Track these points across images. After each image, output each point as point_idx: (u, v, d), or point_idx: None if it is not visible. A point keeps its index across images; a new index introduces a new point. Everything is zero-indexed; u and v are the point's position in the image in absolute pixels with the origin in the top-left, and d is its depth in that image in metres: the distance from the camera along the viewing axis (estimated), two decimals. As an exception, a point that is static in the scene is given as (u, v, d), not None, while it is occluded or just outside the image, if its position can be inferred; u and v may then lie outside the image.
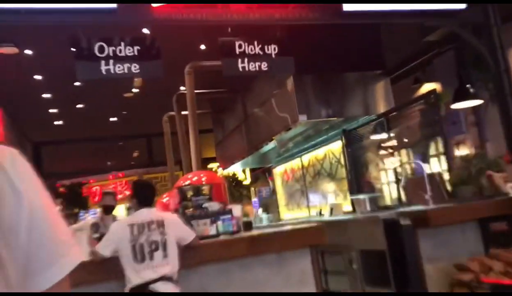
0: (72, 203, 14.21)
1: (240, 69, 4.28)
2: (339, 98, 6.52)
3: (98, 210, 15.71)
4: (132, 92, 9.99)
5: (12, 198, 0.80)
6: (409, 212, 4.57)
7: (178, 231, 3.54)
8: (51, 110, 11.07)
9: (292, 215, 9.47)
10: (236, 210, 4.47)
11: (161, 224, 3.45)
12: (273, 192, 10.71)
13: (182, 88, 9.04)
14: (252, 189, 12.85)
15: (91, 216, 15.24)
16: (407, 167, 6.13)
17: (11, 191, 0.81)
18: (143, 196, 3.64)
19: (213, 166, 14.31)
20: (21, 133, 11.91)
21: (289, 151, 9.05)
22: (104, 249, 3.42)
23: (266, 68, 4.33)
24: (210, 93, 8.51)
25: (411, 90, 9.41)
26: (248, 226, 4.74)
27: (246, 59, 4.26)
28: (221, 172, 12.67)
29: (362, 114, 6.65)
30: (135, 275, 3.30)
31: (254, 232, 4.28)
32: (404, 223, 4.36)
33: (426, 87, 9.36)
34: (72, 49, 4.07)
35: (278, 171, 10.15)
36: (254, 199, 12.74)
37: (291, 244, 4.03)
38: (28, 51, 7.58)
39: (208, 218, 4.18)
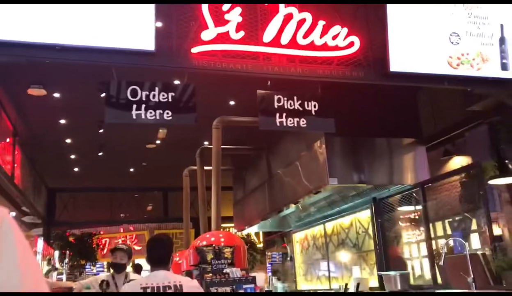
0: (80, 254, 13.75)
1: (278, 124, 4.01)
2: (371, 164, 6.19)
3: (105, 263, 15.30)
4: (155, 143, 9.82)
5: None
6: (452, 296, 4.07)
7: (198, 298, 3.12)
8: (71, 156, 10.93)
9: (310, 286, 8.86)
10: (260, 278, 4.03)
11: (178, 290, 3.03)
12: (290, 259, 10.16)
13: (205, 142, 8.86)
14: (269, 254, 12.31)
15: (97, 270, 14.75)
16: (444, 243, 5.64)
17: None
18: (157, 254, 3.18)
19: (226, 225, 13.87)
20: (38, 178, 11.75)
21: (311, 215, 8.62)
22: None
23: (304, 125, 4.06)
24: (235, 149, 8.26)
25: (440, 162, 9.09)
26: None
27: (284, 114, 4.01)
28: (234, 233, 12.21)
29: (394, 183, 6.28)
30: None
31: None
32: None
33: (457, 161, 9.04)
34: (101, 92, 3.88)
35: (297, 236, 9.66)
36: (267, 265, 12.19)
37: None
38: (56, 94, 7.51)
39: (229, 286, 3.76)
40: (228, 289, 3.73)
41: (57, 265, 9.32)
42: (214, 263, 4.08)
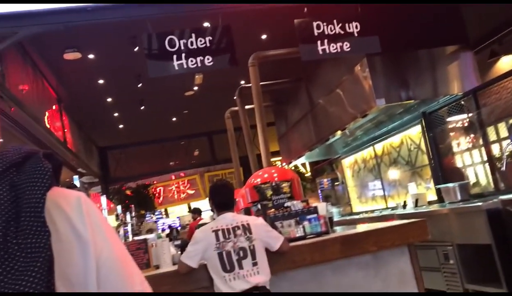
0: (139, 205, 14.41)
1: (320, 52, 3.90)
2: (416, 78, 5.97)
3: (162, 210, 15.98)
4: (193, 90, 9.85)
5: (77, 248, 0.71)
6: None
7: (266, 236, 3.22)
8: (115, 114, 11.18)
9: (365, 207, 8.95)
10: (321, 208, 4.09)
11: (247, 229, 3.15)
12: (342, 183, 10.23)
13: (242, 82, 8.79)
14: (318, 181, 12.45)
15: (157, 218, 15.47)
16: (506, 146, 5.48)
17: (77, 241, 0.72)
18: (223, 199, 3.33)
19: (273, 160, 14.03)
20: (88, 139, 12.15)
21: (358, 139, 8.55)
22: (190, 259, 3.16)
23: (348, 49, 3.93)
24: (273, 84, 8.16)
25: (488, 65, 8.66)
26: (330, 224, 4.36)
27: (326, 41, 3.87)
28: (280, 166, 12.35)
29: (442, 94, 6.07)
30: (225, 286, 3.02)
31: (348, 231, 3.89)
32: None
33: (505, 61, 8.57)
34: (135, 46, 3.85)
35: (347, 161, 9.66)
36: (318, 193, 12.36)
37: (388, 242, 3.61)
38: (90, 56, 7.57)
39: (293, 219, 3.84)
40: (292, 222, 3.82)
41: (124, 218, 9.81)
42: (274, 199, 4.16)
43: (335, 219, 8.39)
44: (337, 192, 10.80)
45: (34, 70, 7.37)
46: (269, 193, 4.29)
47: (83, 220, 0.74)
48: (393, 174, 7.79)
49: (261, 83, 6.82)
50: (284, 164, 11.40)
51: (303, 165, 14.21)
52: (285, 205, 4.10)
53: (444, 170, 6.43)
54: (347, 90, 6.63)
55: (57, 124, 8.73)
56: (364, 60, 5.81)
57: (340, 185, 10.40)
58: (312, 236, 3.78)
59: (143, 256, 4.07)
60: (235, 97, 8.44)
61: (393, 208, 7.45)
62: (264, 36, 7.74)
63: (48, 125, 7.95)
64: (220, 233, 3.11)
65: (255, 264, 3.05)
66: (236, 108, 8.50)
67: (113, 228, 0.83)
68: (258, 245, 3.11)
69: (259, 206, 4.28)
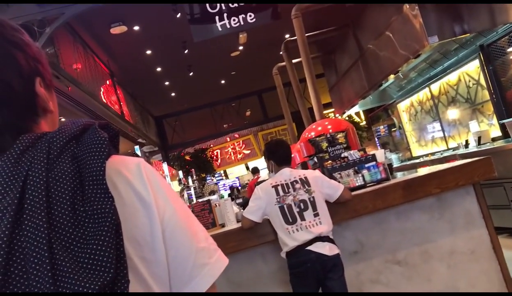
0: (199, 168, 14.84)
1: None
2: (470, 10, 5.60)
3: (222, 172, 16.34)
4: (238, 50, 9.81)
5: (141, 211, 0.76)
6: None
7: (325, 187, 3.23)
8: (165, 83, 11.40)
9: (425, 151, 8.71)
10: (379, 155, 4.03)
11: (305, 182, 3.18)
12: (399, 128, 9.97)
13: (287, 35, 8.63)
14: (374, 129, 12.20)
15: (217, 180, 15.88)
16: None
17: (140, 204, 0.76)
18: (281, 155, 3.38)
19: (326, 112, 13.84)
20: (143, 110, 12.53)
21: (412, 81, 8.23)
22: (253, 214, 3.25)
23: (394, -12, 3.72)
24: (319, 34, 7.94)
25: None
26: (389, 170, 4.29)
27: (370, -18, 3.69)
28: (334, 117, 12.18)
29: (501, 23, 5.66)
30: (288, 238, 3.09)
31: (409, 176, 3.82)
32: None
33: None
34: (176, 12, 3.85)
35: (402, 105, 9.36)
36: (375, 140, 12.12)
37: (451, 183, 3.51)
38: (136, 28, 7.69)
39: (351, 168, 3.81)
40: (350, 172, 3.80)
41: (187, 183, 10.14)
42: (330, 151, 4.14)
43: (395, 165, 8.26)
44: (394, 138, 10.55)
45: (84, 49, 7.61)
46: (324, 145, 4.27)
47: (144, 183, 0.78)
48: (453, 113, 7.48)
49: (306, 34, 6.66)
50: (337, 114, 11.24)
51: (357, 114, 13.96)
52: (342, 155, 4.07)
53: (507, 104, 6.09)
54: (397, 31, 6.34)
55: (112, 98, 9.04)
56: (411, -2, 5.51)
57: (397, 130, 10.15)
58: (372, 183, 3.75)
59: (208, 216, 4.23)
60: (281, 52, 8.33)
61: (454, 149, 7.20)
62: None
63: (104, 100, 8.26)
64: (279, 187, 3.16)
65: (316, 214, 3.08)
66: (283, 63, 8.39)
67: (174, 190, 0.88)
68: (317, 197, 3.14)
69: (315, 159, 4.28)
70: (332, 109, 11.95)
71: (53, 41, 5.68)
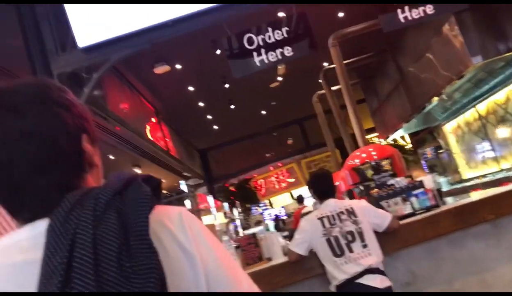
0: (243, 199, 14.88)
1: (402, 20, 3.72)
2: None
3: (267, 201, 16.30)
4: (277, 81, 9.91)
5: (185, 263, 0.78)
6: None
7: (372, 216, 3.17)
8: (208, 117, 11.63)
9: (476, 173, 8.38)
10: (428, 181, 3.92)
11: (352, 213, 3.12)
12: (446, 151, 9.67)
13: (325, 64, 8.65)
14: (420, 151, 11.89)
15: (262, 209, 15.85)
16: None
17: (184, 255, 0.78)
18: (323, 188, 3.33)
19: (369, 137, 13.62)
20: (188, 144, 12.78)
21: (457, 102, 8.01)
22: (298, 247, 3.22)
23: (432, 12, 3.69)
24: (358, 61, 7.93)
25: None
26: (439, 196, 4.15)
27: (407, 8, 3.68)
28: (378, 142, 11.96)
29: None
30: (337, 271, 3.03)
31: (460, 201, 3.68)
32: None
33: None
34: (216, 49, 3.96)
35: (448, 127, 9.10)
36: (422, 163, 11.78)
37: (508, 208, 3.35)
38: (178, 66, 7.94)
39: (399, 196, 3.72)
40: (398, 200, 3.71)
41: (232, 214, 10.24)
42: (376, 178, 4.07)
43: (444, 189, 7.98)
44: (442, 160, 10.23)
45: (130, 89, 7.92)
46: (369, 173, 4.21)
47: (186, 234, 0.80)
48: (503, 132, 7.19)
49: (344, 61, 6.67)
50: (381, 139, 11.06)
51: (402, 137, 13.66)
52: (388, 182, 3.99)
53: (562, 120, 5.81)
54: (438, 52, 6.24)
55: (158, 134, 9.30)
56: (451, 18, 5.43)
57: (444, 152, 9.84)
58: (421, 211, 3.64)
59: (255, 250, 4.21)
60: (320, 80, 8.35)
61: (508, 170, 6.89)
62: (341, 14, 7.54)
63: (150, 137, 8.51)
64: (325, 219, 3.12)
65: (365, 246, 3.01)
66: (323, 91, 8.41)
67: (215, 237, 0.87)
68: (365, 227, 3.07)
69: (361, 187, 4.22)
70: (376, 134, 11.77)
71: (101, 84, 5.95)
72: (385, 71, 8.49)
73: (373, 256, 2.99)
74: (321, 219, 3.13)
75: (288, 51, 3.66)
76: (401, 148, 12.28)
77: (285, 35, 3.67)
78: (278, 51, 3.66)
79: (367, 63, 8.34)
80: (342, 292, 2.98)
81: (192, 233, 0.81)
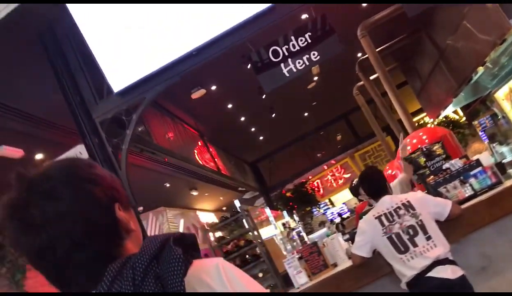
0: (302, 203, 14.80)
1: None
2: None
3: (327, 201, 16.10)
4: (314, 81, 9.83)
5: None
6: None
7: (431, 206, 3.04)
8: (252, 129, 11.70)
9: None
10: (484, 158, 3.72)
11: (409, 206, 3.01)
12: (503, 118, 9.17)
13: (359, 54, 8.49)
14: (476, 123, 11.36)
15: (324, 210, 15.68)
16: None
17: None
18: (375, 187, 3.24)
19: (419, 118, 13.17)
20: (237, 159, 12.91)
21: (505, 67, 7.59)
22: (360, 250, 3.15)
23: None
24: (391, 45, 7.72)
25: None
26: (502, 170, 3.94)
27: (429, -14, 3.54)
28: (429, 122, 11.55)
29: None
30: (404, 268, 2.93)
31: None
32: None
33: None
34: (246, 64, 3.99)
35: (500, 94, 8.64)
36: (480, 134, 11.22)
37: None
38: (213, 87, 8.06)
39: (456, 179, 3.55)
40: (456, 183, 3.54)
41: (292, 224, 10.16)
42: (430, 165, 3.92)
43: (509, 158, 7.55)
44: (501, 127, 9.69)
45: (172, 119, 8.11)
46: (422, 160, 4.06)
47: (224, 285, 0.83)
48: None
49: (378, 49, 6.52)
50: (431, 119, 10.68)
51: (455, 112, 13.12)
52: (443, 167, 3.81)
53: None
54: (475, 20, 5.97)
55: (206, 156, 9.45)
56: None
57: (501, 119, 9.34)
58: (483, 191, 3.46)
59: (318, 258, 4.15)
60: (357, 72, 8.20)
61: None
62: (364, 4, 7.38)
63: (200, 161, 8.66)
64: (383, 217, 3.03)
65: (428, 238, 2.89)
66: (362, 82, 8.25)
67: (253, 280, 0.90)
68: (426, 219, 2.95)
69: (415, 177, 4.07)
70: (425, 114, 11.39)
71: (143, 121, 6.13)
72: (422, 49, 8.21)
73: (439, 246, 2.87)
74: (378, 217, 3.04)
75: (314, 55, 3.62)
76: (455, 123, 11.79)
77: (309, 40, 3.63)
78: (305, 57, 3.62)
79: (402, 46, 8.09)
80: (412, 292, 2.87)
81: (230, 282, 0.84)
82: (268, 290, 0.92)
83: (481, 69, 6.83)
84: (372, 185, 3.25)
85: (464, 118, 13.18)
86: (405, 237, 2.93)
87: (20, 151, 5.58)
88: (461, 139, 10.69)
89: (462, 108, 12.37)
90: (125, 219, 0.90)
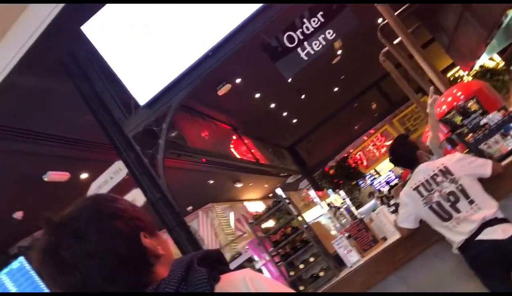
0: (347, 177, 14.66)
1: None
2: None
3: (372, 171, 15.86)
4: (338, 55, 9.67)
5: None
6: None
7: (471, 168, 2.91)
8: (283, 114, 11.67)
9: None
10: (523, 105, 3.57)
11: (446, 172, 2.91)
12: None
13: (379, 20, 8.26)
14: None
15: (371, 181, 15.45)
16: None
17: None
18: (406, 160, 3.17)
19: (453, 73, 12.71)
20: (274, 146, 12.93)
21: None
22: (405, 222, 3.11)
23: None
24: (411, 5, 7.45)
25: None
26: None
27: None
28: (464, 74, 11.14)
29: None
30: (452, 234, 2.87)
31: None
32: None
33: None
34: (265, 50, 3.98)
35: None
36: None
37: None
38: (237, 80, 8.07)
39: (497, 133, 3.43)
40: (498, 137, 3.41)
41: (338, 201, 10.07)
42: (467, 123, 3.79)
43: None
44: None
45: (203, 118, 8.20)
46: (458, 119, 3.93)
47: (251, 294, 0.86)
48: None
49: (396, 13, 6.32)
50: (465, 72, 10.30)
51: (491, 59, 12.56)
52: (481, 123, 3.68)
53: None
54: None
55: (243, 149, 9.52)
56: None
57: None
58: (526, 141, 3.33)
59: (367, 234, 4.13)
60: (380, 39, 7.98)
61: None
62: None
63: (237, 155, 8.74)
64: (421, 188, 2.97)
65: (471, 202, 2.81)
66: (386, 48, 8.03)
67: (283, 286, 0.92)
68: (466, 182, 2.85)
69: (454, 137, 3.95)
70: (458, 68, 10.99)
71: (175, 126, 6.24)
72: (444, 5, 7.89)
73: (484, 209, 2.77)
74: (416, 188, 2.98)
75: (329, 34, 3.56)
76: (493, 71, 11.30)
77: (322, 19, 3.58)
78: (321, 37, 3.57)
79: (422, 5, 7.80)
80: (465, 253, 2.81)
81: (256, 289, 0.87)
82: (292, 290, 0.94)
83: (511, 12, 6.51)
84: (399, 160, 3.20)
85: (502, 64, 12.62)
86: (447, 205, 2.86)
87: (66, 174, 5.82)
88: (501, 86, 10.26)
89: (498, 54, 11.84)
90: (152, 246, 0.93)
